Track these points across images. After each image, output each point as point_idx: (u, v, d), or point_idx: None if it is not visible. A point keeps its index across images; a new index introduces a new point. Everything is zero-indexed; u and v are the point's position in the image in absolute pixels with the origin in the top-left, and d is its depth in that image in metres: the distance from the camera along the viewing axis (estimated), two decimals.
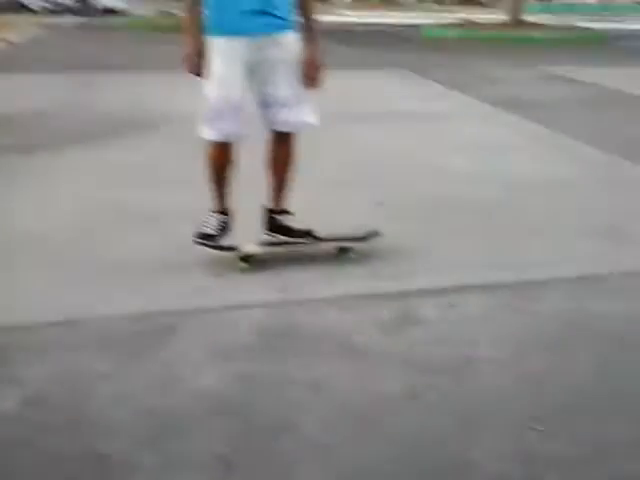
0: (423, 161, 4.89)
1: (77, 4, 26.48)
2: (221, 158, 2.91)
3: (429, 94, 8.04)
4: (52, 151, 4.98)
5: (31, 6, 24.02)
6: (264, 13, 2.72)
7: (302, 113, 2.90)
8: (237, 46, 2.73)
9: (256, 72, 2.81)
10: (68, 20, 21.37)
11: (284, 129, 2.93)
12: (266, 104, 2.87)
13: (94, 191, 4.07)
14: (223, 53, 2.74)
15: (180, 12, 21.51)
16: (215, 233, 3.00)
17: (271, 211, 3.11)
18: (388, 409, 2.03)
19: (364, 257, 3.12)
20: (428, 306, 2.69)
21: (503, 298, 2.78)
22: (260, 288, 2.82)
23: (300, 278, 2.92)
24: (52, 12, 23.69)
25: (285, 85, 2.84)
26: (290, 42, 2.84)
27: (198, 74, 2.81)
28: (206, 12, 2.76)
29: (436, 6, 41.70)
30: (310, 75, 2.89)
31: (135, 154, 4.96)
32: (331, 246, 3.15)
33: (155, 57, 11.68)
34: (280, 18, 2.77)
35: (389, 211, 3.77)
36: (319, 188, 4.03)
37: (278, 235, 3.11)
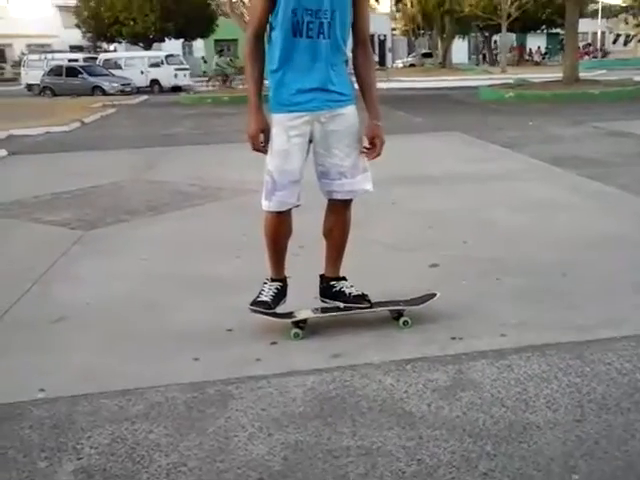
0: (479, 222, 4.86)
1: (148, 86, 27.95)
2: (278, 228, 2.98)
3: (485, 155, 8.04)
4: (118, 224, 5.20)
5: (106, 88, 25.42)
6: (324, 90, 2.81)
7: (360, 182, 2.97)
8: (298, 121, 2.82)
9: (316, 144, 2.90)
10: (134, 99, 22.51)
11: (343, 197, 2.99)
12: (325, 175, 2.95)
13: (158, 261, 4.21)
14: (284, 128, 2.82)
15: (241, 85, 22.38)
16: (270, 300, 3.05)
17: (327, 278, 3.16)
18: (444, 479, 1.98)
19: (419, 320, 3.09)
20: (484, 369, 2.64)
21: (561, 360, 2.69)
22: (314, 355, 2.83)
23: (354, 344, 2.92)
24: (124, 93, 24.98)
25: (344, 156, 2.91)
26: (349, 114, 2.92)
27: (263, 152, 2.90)
28: (269, 90, 2.86)
29: (490, 68, 42.13)
30: (372, 149, 2.95)
31: (197, 224, 5.14)
32: (385, 311, 3.15)
33: (215, 130, 12.16)
34: (339, 94, 2.86)
35: (444, 273, 3.76)
36: (374, 251, 4.09)
37: (333, 302, 3.13)
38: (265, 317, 3.04)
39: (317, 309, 3.14)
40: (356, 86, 2.96)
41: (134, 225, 5.16)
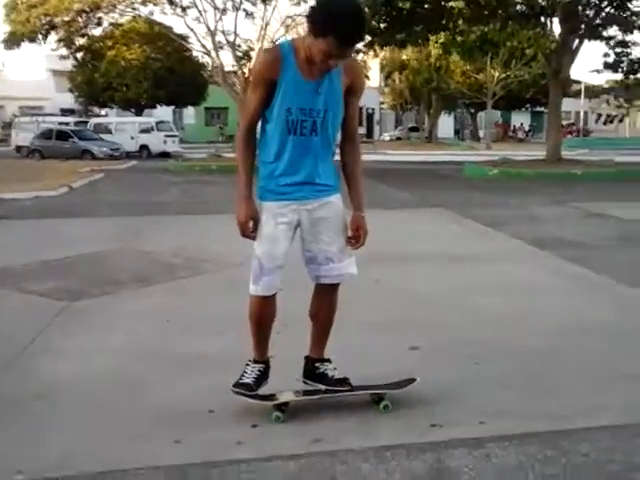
0: (459, 303, 4.94)
1: (137, 151, 28.34)
2: (264, 311, 3.04)
3: (467, 233, 8.22)
4: (103, 296, 5.21)
5: (95, 152, 25.71)
6: (311, 183, 2.95)
7: (347, 266, 3.06)
8: (285, 209, 2.93)
9: (303, 231, 3.01)
10: (122, 164, 22.77)
11: (329, 282, 3.07)
12: (313, 260, 3.04)
13: (142, 337, 4.22)
14: (272, 215, 2.93)
15: (229, 154, 22.71)
16: (252, 383, 3.08)
17: (312, 359, 3.20)
18: None
19: (399, 405, 3.12)
20: (463, 457, 2.66)
21: (539, 450, 2.72)
22: (294, 438, 2.84)
23: (335, 428, 2.93)
24: (112, 157, 25.27)
25: (331, 241, 3.02)
26: (335, 202, 3.04)
27: (252, 238, 2.97)
28: (259, 178, 2.97)
29: (475, 143, 43.25)
30: (356, 238, 3.06)
31: (182, 299, 5.16)
32: (366, 394, 3.18)
33: (202, 200, 12.31)
34: (325, 185, 2.99)
35: (424, 356, 3.80)
36: (355, 331, 4.11)
37: (316, 383, 3.17)
38: (247, 399, 3.05)
39: (299, 392, 3.16)
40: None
41: (119, 297, 5.18)
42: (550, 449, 2.73)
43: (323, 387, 3.14)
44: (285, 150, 2.90)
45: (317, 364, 3.18)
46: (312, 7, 2.87)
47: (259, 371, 3.12)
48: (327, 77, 2.84)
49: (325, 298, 3.13)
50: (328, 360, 3.21)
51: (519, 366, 3.64)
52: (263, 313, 3.05)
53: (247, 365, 3.15)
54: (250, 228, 2.95)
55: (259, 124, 2.97)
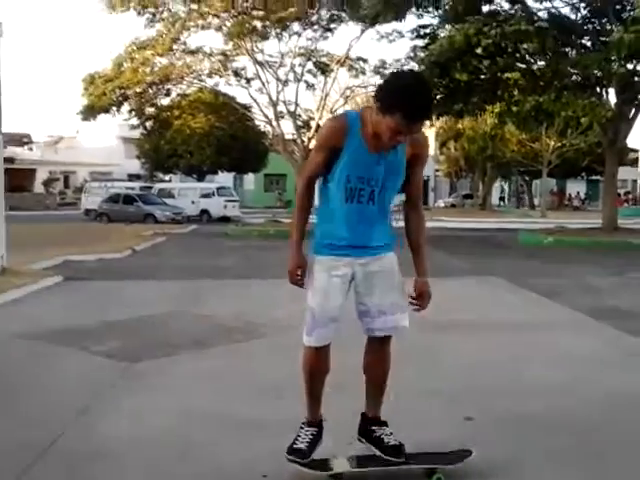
0: (515, 374, 4.90)
1: (198, 215, 29.20)
2: (317, 363, 3.10)
3: (522, 303, 8.14)
4: (159, 358, 5.36)
5: (157, 216, 26.64)
6: (366, 247, 3.05)
7: (399, 319, 3.11)
8: (339, 263, 3.03)
9: (357, 285, 3.08)
10: (183, 228, 23.46)
11: (382, 334, 3.12)
12: (366, 313, 3.09)
13: (199, 399, 4.31)
14: (326, 268, 3.02)
15: (287, 220, 23.19)
16: (305, 448, 3.10)
17: (367, 419, 3.23)
18: None
19: (452, 478, 3.11)
20: None
21: None
22: None
23: None
24: (174, 221, 26.10)
25: (384, 295, 3.07)
26: (389, 258, 3.13)
27: (299, 286, 3.09)
28: (315, 233, 3.10)
29: (531, 211, 42.83)
30: (420, 303, 3.16)
31: (240, 362, 5.27)
32: (420, 467, 3.16)
33: (260, 264, 12.56)
34: (379, 246, 3.09)
35: (479, 427, 3.78)
36: (410, 398, 4.14)
37: (370, 445, 3.17)
38: (300, 467, 3.08)
39: (352, 458, 3.17)
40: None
41: (178, 360, 5.32)
42: None
43: (377, 452, 3.14)
44: (342, 215, 3.01)
45: (374, 427, 3.19)
46: (379, 85, 2.96)
47: (312, 435, 3.14)
48: (392, 149, 2.94)
49: (379, 352, 3.17)
50: (385, 423, 3.21)
51: (576, 441, 3.58)
52: (316, 365, 3.10)
53: (301, 428, 3.18)
54: (298, 275, 3.05)
55: (319, 183, 3.10)
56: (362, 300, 3.10)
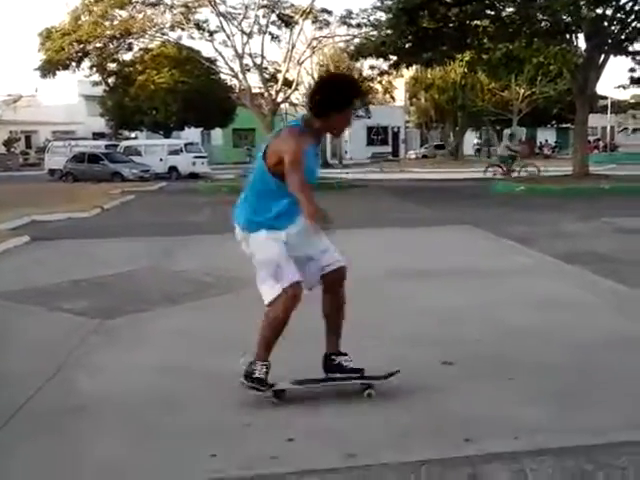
0: (490, 318, 4.92)
1: (166, 172, 28.77)
2: (291, 310, 3.36)
3: (496, 250, 8.18)
4: (133, 314, 5.28)
5: (125, 174, 26.16)
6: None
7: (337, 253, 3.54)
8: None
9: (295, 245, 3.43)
10: (152, 186, 23.09)
11: (337, 265, 3.48)
12: (310, 257, 3.47)
13: (175, 354, 4.27)
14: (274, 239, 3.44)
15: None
16: (264, 377, 3.38)
17: (329, 354, 3.55)
18: None
19: (432, 419, 3.14)
20: (497, 472, 2.65)
21: (576, 463, 2.71)
22: (330, 453, 2.85)
23: (369, 443, 2.94)
24: (142, 179, 25.67)
25: (314, 240, 3.47)
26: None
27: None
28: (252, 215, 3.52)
29: None
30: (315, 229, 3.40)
31: (213, 316, 5.22)
32: (357, 382, 3.49)
33: (231, 219, 12.39)
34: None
35: (457, 371, 3.80)
36: (387, 345, 4.15)
37: (335, 373, 3.53)
38: (273, 404, 3.31)
39: (293, 380, 3.48)
40: None
41: (151, 315, 5.25)
42: (587, 463, 2.71)
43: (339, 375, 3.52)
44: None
45: (333, 357, 3.52)
46: (323, 95, 3.37)
47: (266, 367, 3.40)
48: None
49: (334, 293, 3.50)
50: (344, 354, 3.53)
51: (551, 381, 3.62)
52: (290, 313, 3.35)
53: (254, 363, 3.40)
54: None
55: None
56: (304, 252, 3.46)
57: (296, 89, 29.59)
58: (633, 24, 18.19)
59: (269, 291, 3.40)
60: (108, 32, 23.45)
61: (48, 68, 24.39)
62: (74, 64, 24.43)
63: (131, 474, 2.74)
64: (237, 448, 2.93)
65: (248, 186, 3.56)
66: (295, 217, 3.43)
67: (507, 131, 23.32)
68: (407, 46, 19.07)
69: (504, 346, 4.25)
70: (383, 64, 23.59)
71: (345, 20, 24.68)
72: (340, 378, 3.51)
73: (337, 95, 3.36)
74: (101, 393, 3.60)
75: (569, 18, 17.42)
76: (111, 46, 24.81)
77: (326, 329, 3.55)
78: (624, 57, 20.05)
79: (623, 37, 18.55)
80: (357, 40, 23.65)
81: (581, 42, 18.60)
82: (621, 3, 17.37)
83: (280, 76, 25.59)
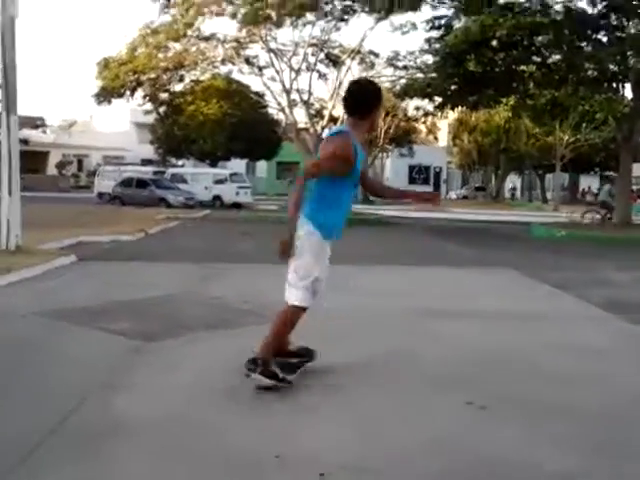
0: (525, 362, 4.91)
1: (210, 201, 29.30)
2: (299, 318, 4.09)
3: (533, 294, 8.13)
4: (176, 337, 5.41)
5: (170, 201, 26.73)
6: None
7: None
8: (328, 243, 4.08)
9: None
10: (196, 213, 23.55)
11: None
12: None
13: (212, 379, 4.34)
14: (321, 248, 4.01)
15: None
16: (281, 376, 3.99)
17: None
18: None
19: (463, 460, 3.15)
20: None
21: None
22: None
23: None
24: (187, 206, 26.18)
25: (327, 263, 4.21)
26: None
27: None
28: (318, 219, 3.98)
29: (543, 205, 42.64)
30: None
31: (250, 343, 5.24)
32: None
33: (271, 250, 12.56)
34: None
35: (489, 414, 3.79)
36: (418, 385, 4.20)
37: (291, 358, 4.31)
38: (309, 440, 3.26)
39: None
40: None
41: (189, 340, 5.35)
42: None
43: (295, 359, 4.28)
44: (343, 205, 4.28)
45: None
46: (359, 97, 4.07)
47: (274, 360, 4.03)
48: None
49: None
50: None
51: (584, 430, 3.59)
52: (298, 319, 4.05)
53: (271, 370, 3.95)
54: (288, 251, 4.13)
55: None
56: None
57: None
58: None
59: (296, 297, 4.00)
60: (162, 63, 24.26)
61: (103, 95, 25.29)
62: (128, 93, 25.29)
63: None
64: (265, 478, 2.97)
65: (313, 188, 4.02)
66: (338, 232, 4.10)
67: (607, 186, 22.14)
68: (453, 88, 19.29)
69: (538, 391, 4.23)
70: (428, 105, 23.87)
71: (392, 62, 25.08)
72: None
73: (362, 95, 4.05)
74: (138, 415, 3.65)
75: (616, 67, 17.43)
76: (164, 77, 25.63)
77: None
78: None
79: None
80: (403, 81, 23.98)
81: (628, 91, 18.57)
82: None
83: (326, 112, 26.02)
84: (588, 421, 3.73)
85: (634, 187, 35.77)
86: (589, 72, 17.91)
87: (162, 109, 34.96)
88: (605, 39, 17.84)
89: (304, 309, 4.01)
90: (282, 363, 4.12)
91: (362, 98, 4.03)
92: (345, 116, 4.17)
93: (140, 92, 26.11)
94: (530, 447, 3.33)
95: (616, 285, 8.93)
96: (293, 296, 4.00)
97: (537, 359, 5.01)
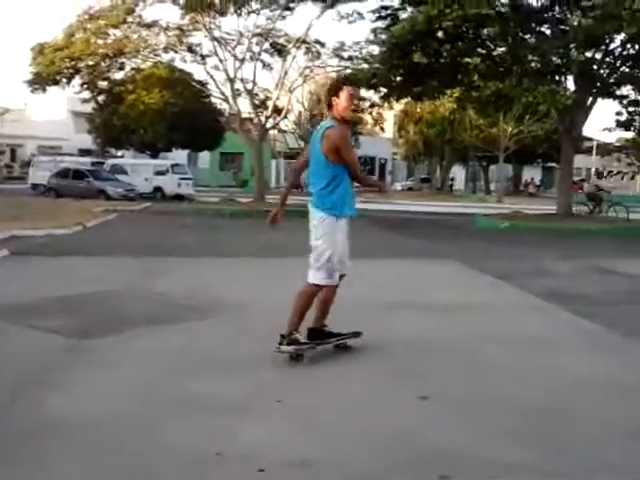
0: (467, 353, 4.92)
1: (151, 192, 28.67)
2: (333, 295, 4.64)
3: (476, 285, 8.21)
4: (113, 334, 5.20)
5: (109, 192, 25.99)
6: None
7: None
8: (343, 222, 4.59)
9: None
10: (136, 205, 22.99)
11: (345, 271, 4.68)
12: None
13: (151, 377, 4.21)
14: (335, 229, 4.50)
15: (243, 199, 22.98)
16: (303, 340, 4.53)
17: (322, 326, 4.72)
18: None
19: (409, 456, 3.09)
20: None
21: None
22: None
23: (340, 477, 2.88)
24: (127, 198, 25.53)
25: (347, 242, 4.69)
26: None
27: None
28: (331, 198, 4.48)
29: (487, 196, 43.45)
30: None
31: (193, 340, 5.15)
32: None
33: (213, 243, 12.37)
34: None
35: (434, 406, 3.77)
36: (366, 379, 4.11)
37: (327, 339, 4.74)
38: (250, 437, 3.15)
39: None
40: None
41: (129, 336, 5.17)
42: None
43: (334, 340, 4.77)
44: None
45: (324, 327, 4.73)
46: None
47: (298, 332, 4.50)
48: None
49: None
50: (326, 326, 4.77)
51: (523, 419, 3.61)
52: (332, 296, 4.60)
53: (297, 337, 4.47)
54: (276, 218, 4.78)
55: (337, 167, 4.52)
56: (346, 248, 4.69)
57: (285, 116, 29.78)
58: (621, 69, 18.55)
59: (316, 278, 4.49)
60: (101, 50, 23.49)
61: (38, 82, 24.33)
62: (64, 80, 24.40)
63: None
64: (206, 477, 2.86)
65: (316, 173, 4.53)
66: (348, 209, 4.55)
67: (592, 179, 23.41)
68: (398, 79, 19.28)
69: (480, 382, 4.23)
70: (374, 96, 23.84)
71: (337, 52, 24.94)
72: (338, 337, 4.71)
73: (330, 90, 4.67)
74: (74, 414, 3.52)
75: (559, 60, 17.71)
76: (103, 64, 24.77)
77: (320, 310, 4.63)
78: (611, 100, 20.38)
79: (611, 81, 18.89)
80: (349, 71, 23.86)
81: (570, 84, 18.92)
82: (610, 48, 17.71)
83: (270, 103, 25.71)
84: (531, 412, 3.73)
85: (575, 178, 36.83)
86: (533, 64, 18.14)
87: (101, 98, 33.98)
88: (549, 32, 18.10)
89: (320, 287, 4.50)
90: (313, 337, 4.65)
91: (325, 94, 4.64)
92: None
93: (78, 80, 25.23)
94: (473, 439, 3.32)
95: (557, 275, 9.06)
96: (312, 276, 4.52)
97: (481, 350, 5.01)
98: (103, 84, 29.32)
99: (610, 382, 4.32)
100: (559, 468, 3.03)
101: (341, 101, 4.48)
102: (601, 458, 3.16)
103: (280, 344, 4.45)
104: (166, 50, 24.77)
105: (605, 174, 61.24)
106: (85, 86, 26.82)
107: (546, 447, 3.27)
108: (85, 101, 32.92)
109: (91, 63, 24.08)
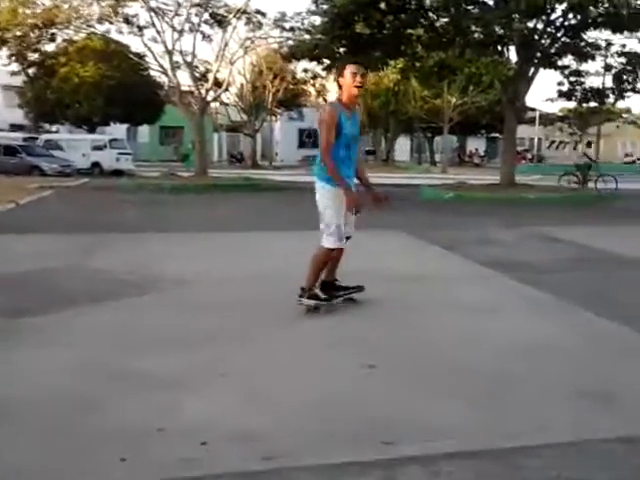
0: (412, 322, 4.95)
1: (89, 168, 27.87)
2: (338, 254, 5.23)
3: (422, 255, 8.28)
4: (49, 313, 5.01)
5: (44, 169, 25.12)
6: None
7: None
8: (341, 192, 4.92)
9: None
10: (73, 181, 22.30)
11: (349, 234, 5.29)
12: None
13: (92, 355, 4.07)
14: (337, 195, 4.93)
15: (184, 174, 22.52)
16: (325, 296, 5.14)
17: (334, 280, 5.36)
18: None
19: (349, 422, 3.08)
20: (414, 475, 2.63)
21: (492, 465, 2.72)
22: (245, 456, 2.77)
23: (287, 444, 2.86)
24: (63, 174, 24.74)
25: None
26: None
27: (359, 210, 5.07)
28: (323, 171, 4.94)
29: (432, 167, 43.90)
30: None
31: (135, 317, 5.02)
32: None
33: (154, 218, 12.11)
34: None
35: (380, 373, 3.77)
36: (314, 348, 4.08)
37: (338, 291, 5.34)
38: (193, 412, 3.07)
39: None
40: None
41: (69, 315, 4.99)
42: (501, 466, 2.72)
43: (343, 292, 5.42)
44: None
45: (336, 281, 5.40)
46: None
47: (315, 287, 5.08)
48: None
49: (340, 251, 5.29)
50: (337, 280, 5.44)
51: (470, 384, 3.65)
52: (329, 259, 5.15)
53: (314, 292, 5.05)
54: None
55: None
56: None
57: (227, 89, 29.29)
58: (562, 39, 18.83)
59: (328, 242, 5.01)
60: (29, 20, 22.49)
61: None
62: None
63: (39, 476, 2.58)
64: (149, 452, 2.80)
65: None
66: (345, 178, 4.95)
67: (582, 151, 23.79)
68: (341, 50, 19.12)
69: (423, 349, 4.27)
70: (316, 67, 23.62)
71: (279, 23, 24.56)
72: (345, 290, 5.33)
73: (341, 70, 5.01)
74: (12, 394, 3.39)
75: (501, 30, 17.84)
76: (32, 35, 23.73)
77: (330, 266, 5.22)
78: (553, 71, 20.71)
79: (553, 51, 19.16)
80: (290, 42, 23.55)
81: (512, 54, 19.11)
82: (551, 18, 17.93)
83: (211, 75, 25.20)
84: (478, 376, 3.77)
85: (518, 148, 37.53)
86: (476, 35, 18.23)
87: (32, 70, 32.68)
88: (492, 2, 18.18)
89: (332, 250, 5.03)
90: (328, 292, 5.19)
91: (335, 77, 5.16)
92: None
93: (5, 51, 24.14)
94: (420, 405, 3.33)
95: (501, 244, 9.19)
96: (325, 241, 5.00)
97: (429, 318, 5.06)
98: (34, 56, 28.18)
99: (553, 345, 4.40)
100: (507, 430, 3.06)
101: (346, 79, 4.88)
102: (547, 417, 3.21)
103: (301, 297, 5.00)
104: (100, 21, 23.90)
105: (548, 144, 62.67)
106: (13, 58, 25.70)
107: (493, 410, 3.30)
108: (14, 73, 31.61)
109: (19, 34, 23.05)
